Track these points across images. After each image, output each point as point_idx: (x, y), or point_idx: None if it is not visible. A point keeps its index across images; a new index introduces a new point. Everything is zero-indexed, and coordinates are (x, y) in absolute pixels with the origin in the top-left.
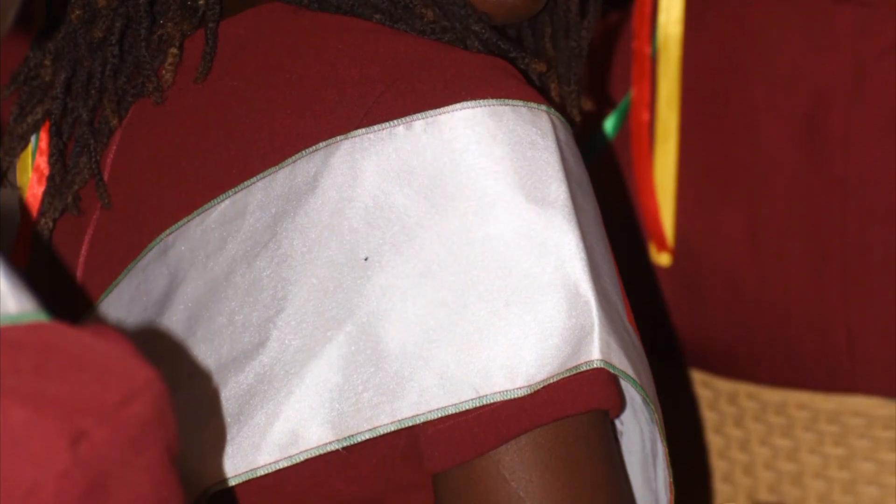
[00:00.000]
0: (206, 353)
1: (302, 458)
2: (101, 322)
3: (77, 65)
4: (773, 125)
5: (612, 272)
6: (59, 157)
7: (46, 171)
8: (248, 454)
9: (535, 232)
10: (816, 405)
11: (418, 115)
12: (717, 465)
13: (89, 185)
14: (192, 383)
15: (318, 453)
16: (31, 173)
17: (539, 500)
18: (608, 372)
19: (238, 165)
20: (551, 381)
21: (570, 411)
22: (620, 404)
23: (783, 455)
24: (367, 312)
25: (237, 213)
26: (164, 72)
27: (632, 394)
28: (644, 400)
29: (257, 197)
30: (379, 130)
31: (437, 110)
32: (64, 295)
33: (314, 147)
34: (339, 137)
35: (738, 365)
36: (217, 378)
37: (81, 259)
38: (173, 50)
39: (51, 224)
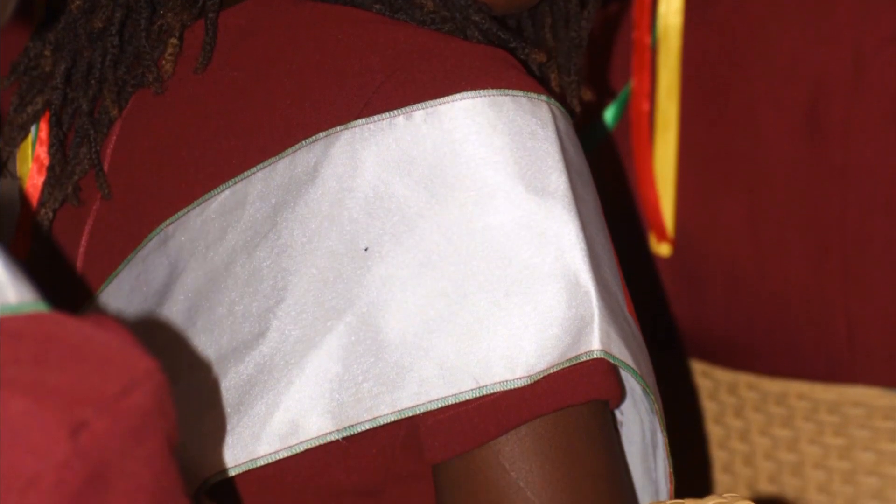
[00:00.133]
0: (206, 343)
1: (302, 449)
2: (100, 312)
3: (77, 55)
4: (773, 115)
5: (612, 262)
6: (59, 147)
7: (46, 162)
8: (248, 444)
9: (535, 222)
10: (816, 395)
11: (418, 106)
12: (718, 456)
13: (89, 175)
14: (192, 374)
15: (318, 443)
16: (31, 163)
17: (539, 490)
18: (608, 362)
19: (238, 156)
20: (551, 371)
21: (570, 401)
22: (620, 394)
23: (783, 445)
24: (368, 302)
25: (237, 203)
26: (164, 62)
27: (632, 384)
28: (644, 390)
29: (257, 187)
30: (379, 121)
31: (437, 100)
32: (64, 285)
33: (314, 137)
34: (339, 128)
35: (738, 355)
36: (217, 368)
37: (81, 249)
38: (173, 40)
39: (51, 214)
